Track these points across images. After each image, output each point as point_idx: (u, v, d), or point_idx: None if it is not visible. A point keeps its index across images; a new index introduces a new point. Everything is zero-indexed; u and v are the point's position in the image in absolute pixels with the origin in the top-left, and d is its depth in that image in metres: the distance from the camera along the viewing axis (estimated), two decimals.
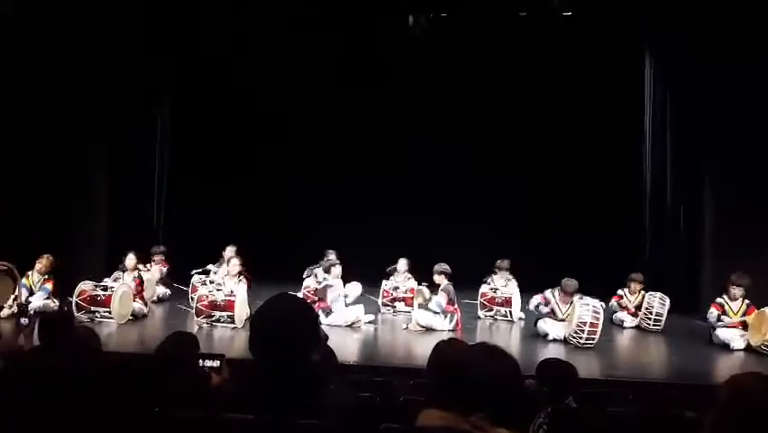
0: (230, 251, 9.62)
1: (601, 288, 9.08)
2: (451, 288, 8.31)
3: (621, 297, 9.17)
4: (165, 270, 10.12)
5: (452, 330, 8.06)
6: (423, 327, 8.13)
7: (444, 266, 8.44)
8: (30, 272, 8.33)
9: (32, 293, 8.26)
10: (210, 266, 9.86)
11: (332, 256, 9.60)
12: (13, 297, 8.01)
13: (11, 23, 8.69)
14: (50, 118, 9.15)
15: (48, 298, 8.22)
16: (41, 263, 8.30)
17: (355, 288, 9.09)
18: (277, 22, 11.07)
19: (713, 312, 8.01)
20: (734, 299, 8.00)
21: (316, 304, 8.11)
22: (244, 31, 11.20)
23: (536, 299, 8.21)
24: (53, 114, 9.17)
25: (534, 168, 11.79)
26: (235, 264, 8.75)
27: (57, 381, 2.77)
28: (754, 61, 8.83)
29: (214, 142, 12.11)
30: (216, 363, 3.33)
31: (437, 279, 8.40)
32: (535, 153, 11.79)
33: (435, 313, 8.18)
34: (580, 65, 11.21)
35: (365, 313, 8.46)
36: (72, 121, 9.40)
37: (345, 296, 8.57)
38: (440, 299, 8.20)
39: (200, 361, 3.37)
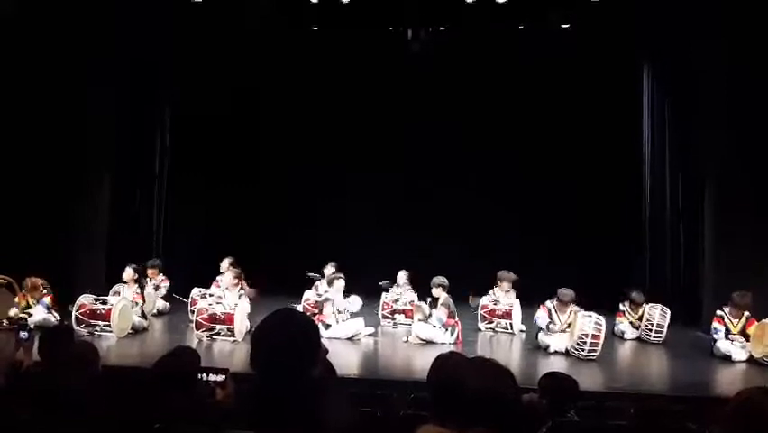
0: (225, 263, 9.59)
1: (601, 299, 9.07)
2: (450, 301, 8.29)
3: (623, 312, 9.14)
4: (167, 285, 10.09)
5: (453, 343, 8.03)
6: (423, 340, 8.10)
7: (442, 279, 8.42)
8: (25, 292, 8.29)
9: (28, 308, 8.23)
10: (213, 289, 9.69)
11: (332, 269, 9.61)
12: (12, 311, 8.00)
13: (12, 22, 8.71)
14: (50, 119, 9.15)
15: (48, 312, 8.19)
16: (30, 291, 8.20)
17: (355, 301, 9.08)
18: (277, 23, 11.12)
19: (718, 328, 7.96)
20: (736, 317, 7.98)
21: (316, 317, 8.10)
22: (244, 32, 11.24)
23: (544, 317, 8.12)
24: (54, 114, 9.17)
25: (534, 176, 11.80)
26: (231, 277, 8.71)
27: (57, 396, 2.77)
28: (752, 67, 8.85)
29: (215, 145, 12.13)
30: (221, 378, 3.30)
31: (435, 292, 8.38)
32: (535, 162, 11.81)
33: (436, 326, 8.16)
34: (578, 75, 11.27)
35: (365, 326, 8.44)
36: (73, 123, 9.39)
37: (345, 309, 8.53)
38: (440, 314, 8.17)
39: (204, 375, 3.35)
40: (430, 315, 8.25)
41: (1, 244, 8.27)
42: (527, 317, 8.83)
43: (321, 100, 12.06)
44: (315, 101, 12.07)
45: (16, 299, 8.15)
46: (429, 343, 8.02)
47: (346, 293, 8.83)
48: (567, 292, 8.02)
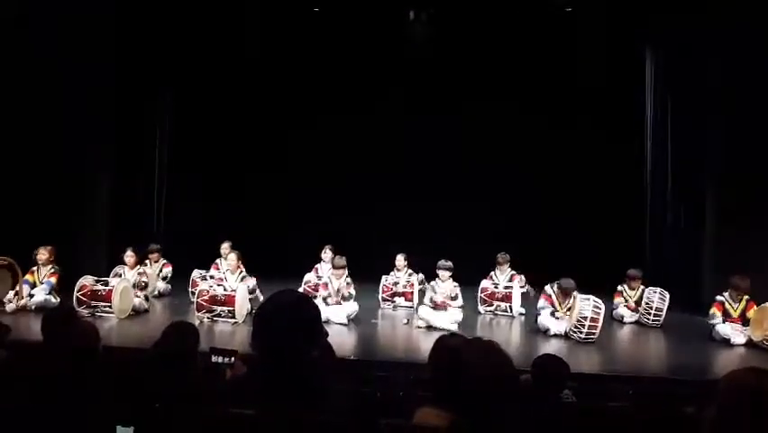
0: (225, 247, 9.64)
1: (602, 285, 9.10)
2: (457, 289, 8.32)
3: (621, 292, 9.19)
4: (169, 270, 10.12)
5: (458, 328, 7.98)
6: (427, 324, 8.04)
7: (448, 262, 8.43)
8: (35, 268, 8.36)
9: (34, 288, 8.30)
10: (213, 272, 9.71)
11: (329, 252, 9.65)
12: (13, 292, 8.05)
13: (13, 23, 8.68)
14: (51, 118, 9.14)
15: (50, 293, 8.24)
16: (42, 254, 8.33)
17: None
18: (276, 20, 11.07)
19: (716, 313, 8.01)
20: (735, 300, 8.01)
21: (317, 299, 8.11)
22: (244, 30, 11.20)
23: (547, 306, 8.14)
24: (54, 114, 9.15)
25: (536, 164, 11.80)
26: (233, 259, 8.76)
27: (57, 376, 2.78)
28: (756, 59, 8.81)
29: (215, 141, 12.14)
30: (230, 360, 3.30)
31: (442, 275, 8.37)
32: (537, 150, 11.79)
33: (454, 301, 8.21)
34: (580, 61, 11.19)
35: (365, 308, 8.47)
36: (73, 121, 9.38)
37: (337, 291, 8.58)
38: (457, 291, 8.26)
39: (214, 357, 3.37)
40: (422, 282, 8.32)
41: (4, 230, 8.29)
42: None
43: (321, 87, 12.02)
44: (313, 96, 12.03)
45: (27, 277, 8.23)
46: (430, 327, 7.99)
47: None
48: (569, 283, 8.02)
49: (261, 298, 8.57)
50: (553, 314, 8.05)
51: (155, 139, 11.30)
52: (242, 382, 2.40)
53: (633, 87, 11.10)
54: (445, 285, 8.30)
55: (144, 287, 8.83)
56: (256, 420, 2.00)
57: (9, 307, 7.93)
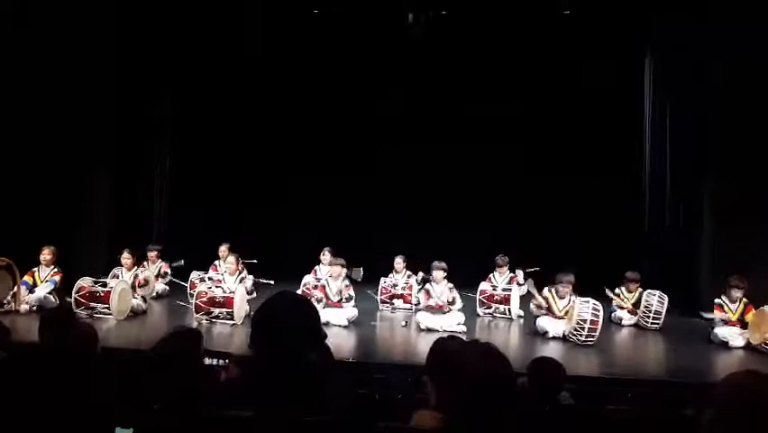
0: (224, 249, 9.65)
1: (600, 286, 9.10)
2: (456, 292, 8.31)
3: (619, 295, 9.20)
4: (169, 272, 10.12)
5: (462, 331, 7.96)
6: (427, 327, 8.02)
7: (442, 263, 8.43)
8: (36, 268, 8.37)
9: (33, 289, 8.30)
10: (212, 273, 9.68)
11: (327, 255, 9.66)
12: (11, 293, 8.04)
13: (14, 23, 8.69)
14: (51, 118, 9.14)
15: (51, 292, 8.25)
16: (46, 254, 8.35)
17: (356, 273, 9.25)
18: (277, 20, 11.09)
19: (716, 315, 8.02)
20: (733, 301, 8.02)
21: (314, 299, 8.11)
22: (245, 30, 11.21)
23: (533, 288, 8.24)
24: (55, 114, 9.16)
25: (536, 165, 11.79)
26: (231, 261, 8.77)
27: (57, 378, 2.77)
28: (756, 59, 8.83)
29: (215, 141, 12.14)
30: (223, 362, 3.30)
31: (436, 275, 8.37)
32: (537, 150, 11.79)
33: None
34: (579, 62, 11.20)
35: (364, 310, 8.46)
36: (74, 121, 9.38)
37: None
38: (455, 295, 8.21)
39: (207, 359, 3.37)
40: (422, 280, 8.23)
41: (4, 230, 8.29)
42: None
43: (320, 89, 12.03)
44: (312, 96, 12.04)
45: (26, 278, 8.22)
46: (431, 330, 7.95)
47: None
48: (567, 275, 8.05)
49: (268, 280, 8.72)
50: (548, 310, 8.05)
51: (155, 139, 11.30)
52: (237, 384, 2.40)
53: (631, 88, 11.10)
54: (440, 287, 8.30)
55: (145, 284, 8.86)
56: (255, 422, 2.00)
57: (23, 307, 7.95)
